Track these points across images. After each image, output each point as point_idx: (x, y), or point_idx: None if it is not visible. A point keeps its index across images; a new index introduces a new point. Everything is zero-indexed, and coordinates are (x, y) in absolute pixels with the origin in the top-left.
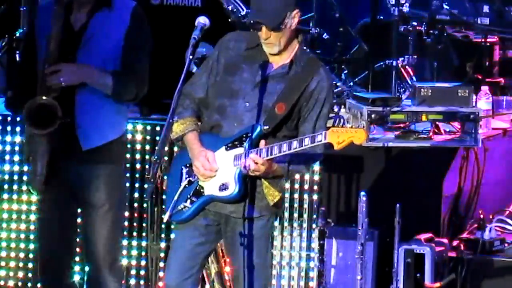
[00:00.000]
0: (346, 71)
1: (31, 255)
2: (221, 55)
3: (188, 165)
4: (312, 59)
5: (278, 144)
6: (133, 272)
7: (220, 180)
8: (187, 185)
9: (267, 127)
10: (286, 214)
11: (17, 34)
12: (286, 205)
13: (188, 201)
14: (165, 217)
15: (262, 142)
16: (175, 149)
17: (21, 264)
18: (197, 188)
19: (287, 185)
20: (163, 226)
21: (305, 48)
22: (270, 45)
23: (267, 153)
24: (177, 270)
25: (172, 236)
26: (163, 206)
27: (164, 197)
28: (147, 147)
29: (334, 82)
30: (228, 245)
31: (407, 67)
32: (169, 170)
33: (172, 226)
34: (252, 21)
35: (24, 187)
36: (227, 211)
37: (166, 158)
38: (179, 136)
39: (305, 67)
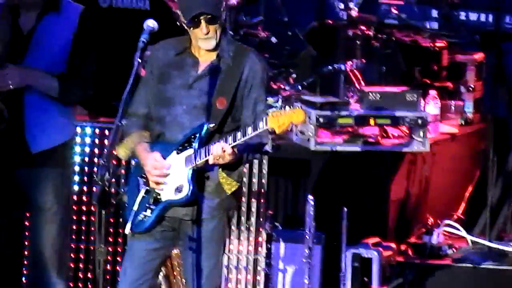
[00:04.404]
0: (294, 75)
1: None
2: (153, 67)
3: (144, 175)
4: (240, 46)
5: (223, 137)
6: (80, 275)
7: (175, 184)
8: (144, 195)
9: (213, 124)
10: (234, 218)
11: None
12: None
13: (148, 210)
14: (127, 229)
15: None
16: None
17: None
18: (155, 196)
19: None
20: (110, 229)
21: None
22: (209, 40)
23: (214, 148)
24: (132, 276)
25: (120, 239)
26: (111, 209)
27: (112, 200)
28: (96, 150)
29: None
30: (181, 248)
31: (355, 71)
32: (127, 183)
33: (121, 230)
34: (194, 15)
35: None
36: (181, 215)
37: (114, 161)
38: (130, 156)
39: (235, 56)
